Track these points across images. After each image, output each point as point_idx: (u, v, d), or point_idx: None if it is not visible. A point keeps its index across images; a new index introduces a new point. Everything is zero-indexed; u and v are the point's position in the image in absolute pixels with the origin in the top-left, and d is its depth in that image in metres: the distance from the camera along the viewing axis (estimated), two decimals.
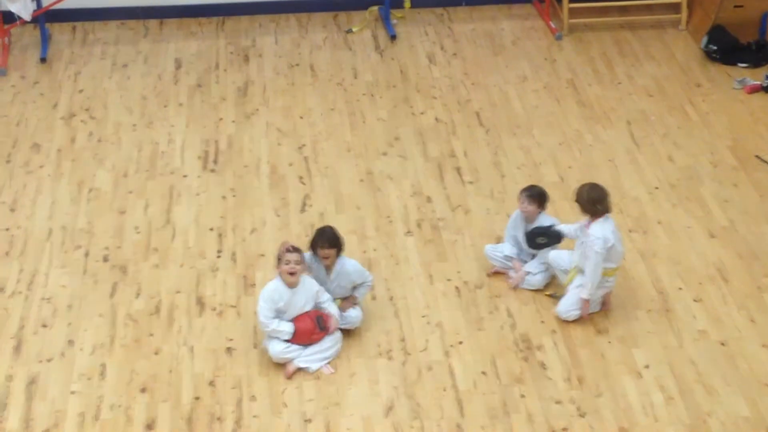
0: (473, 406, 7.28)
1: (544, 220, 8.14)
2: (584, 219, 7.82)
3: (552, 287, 8.19)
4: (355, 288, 7.83)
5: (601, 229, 7.69)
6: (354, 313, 7.79)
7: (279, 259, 7.49)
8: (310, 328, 7.54)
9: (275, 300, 7.47)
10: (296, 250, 7.47)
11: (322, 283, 7.67)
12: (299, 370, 7.53)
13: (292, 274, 7.44)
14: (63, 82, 10.87)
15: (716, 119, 10.25)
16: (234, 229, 8.87)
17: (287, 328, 7.49)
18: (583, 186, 7.84)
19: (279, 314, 7.53)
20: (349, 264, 7.77)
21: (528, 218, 8.18)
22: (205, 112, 10.39)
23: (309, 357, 7.54)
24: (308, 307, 7.57)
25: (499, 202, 9.13)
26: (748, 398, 7.31)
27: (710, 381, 7.45)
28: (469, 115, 10.33)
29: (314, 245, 7.66)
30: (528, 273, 8.19)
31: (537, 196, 8.12)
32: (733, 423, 7.13)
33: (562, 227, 8.03)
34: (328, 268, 7.72)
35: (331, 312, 7.60)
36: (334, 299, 7.75)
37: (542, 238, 8.06)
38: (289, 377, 7.49)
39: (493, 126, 10.16)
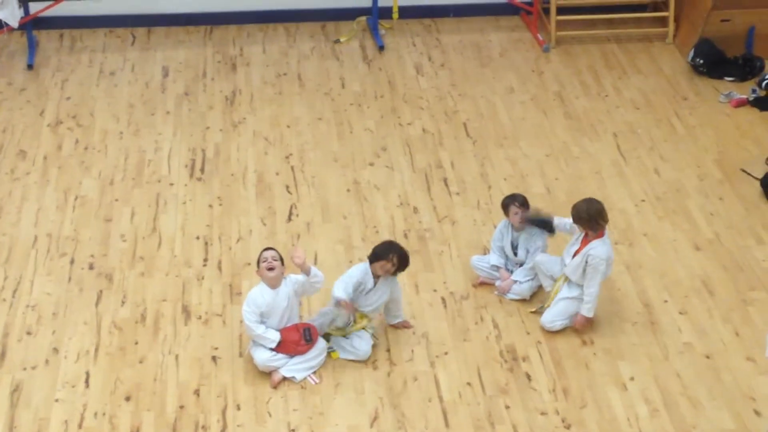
0: (458, 417, 7.28)
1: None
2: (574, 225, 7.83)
3: (537, 300, 8.19)
4: (386, 309, 7.86)
5: (606, 249, 7.69)
6: (364, 347, 7.66)
7: (258, 263, 7.51)
8: (296, 339, 7.53)
9: (259, 303, 7.47)
10: (273, 249, 7.53)
11: (365, 292, 7.62)
12: (285, 379, 7.52)
13: (270, 269, 7.43)
14: (50, 89, 10.85)
15: (702, 132, 10.28)
16: (220, 237, 8.86)
17: (273, 336, 7.48)
18: (579, 204, 7.75)
19: (263, 318, 7.52)
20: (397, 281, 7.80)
21: (519, 227, 8.18)
22: (193, 120, 10.38)
23: (294, 366, 7.53)
24: (292, 307, 7.55)
25: (486, 213, 9.14)
26: (733, 411, 7.32)
27: (695, 393, 7.46)
28: (457, 126, 10.34)
29: (384, 255, 7.58)
30: (515, 282, 8.20)
31: (525, 203, 8.14)
32: None
33: (556, 221, 8.00)
34: (377, 278, 7.68)
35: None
36: (361, 314, 7.71)
37: (538, 225, 8.05)
38: (275, 386, 7.48)
39: (480, 137, 10.17)
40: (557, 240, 8.21)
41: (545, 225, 8.06)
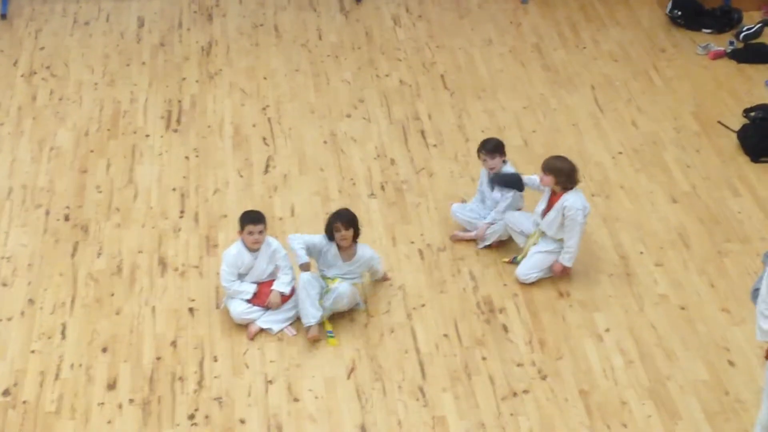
0: (435, 368, 7.30)
1: (508, 170, 8.15)
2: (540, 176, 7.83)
3: (511, 251, 8.20)
4: (371, 272, 7.82)
5: (580, 200, 7.70)
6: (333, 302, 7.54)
7: (241, 225, 7.45)
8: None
9: (238, 265, 7.46)
10: (260, 220, 7.44)
11: (334, 265, 7.59)
12: (261, 331, 7.52)
13: (256, 243, 7.43)
14: (24, 39, 10.74)
15: (680, 85, 10.28)
16: (197, 189, 8.83)
17: (249, 288, 7.49)
18: (558, 159, 7.75)
19: (241, 277, 7.52)
20: (368, 250, 7.69)
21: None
22: (168, 71, 10.30)
23: (271, 318, 7.53)
24: (270, 269, 7.56)
25: (463, 165, 9.13)
26: (707, 361, 7.38)
27: (670, 345, 7.51)
28: (434, 77, 10.30)
29: (331, 226, 7.51)
30: (489, 224, 8.18)
31: (494, 149, 8.11)
32: (691, 386, 7.19)
33: (525, 178, 8.01)
34: (346, 253, 7.60)
35: (282, 280, 7.55)
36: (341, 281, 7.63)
37: (505, 185, 8.06)
38: (252, 338, 7.48)
39: (457, 89, 10.14)
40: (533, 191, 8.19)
41: (513, 183, 8.05)
